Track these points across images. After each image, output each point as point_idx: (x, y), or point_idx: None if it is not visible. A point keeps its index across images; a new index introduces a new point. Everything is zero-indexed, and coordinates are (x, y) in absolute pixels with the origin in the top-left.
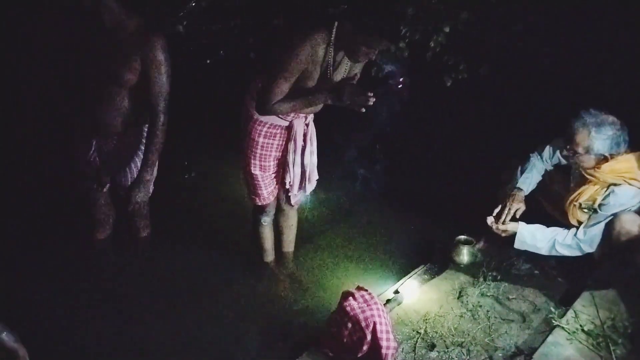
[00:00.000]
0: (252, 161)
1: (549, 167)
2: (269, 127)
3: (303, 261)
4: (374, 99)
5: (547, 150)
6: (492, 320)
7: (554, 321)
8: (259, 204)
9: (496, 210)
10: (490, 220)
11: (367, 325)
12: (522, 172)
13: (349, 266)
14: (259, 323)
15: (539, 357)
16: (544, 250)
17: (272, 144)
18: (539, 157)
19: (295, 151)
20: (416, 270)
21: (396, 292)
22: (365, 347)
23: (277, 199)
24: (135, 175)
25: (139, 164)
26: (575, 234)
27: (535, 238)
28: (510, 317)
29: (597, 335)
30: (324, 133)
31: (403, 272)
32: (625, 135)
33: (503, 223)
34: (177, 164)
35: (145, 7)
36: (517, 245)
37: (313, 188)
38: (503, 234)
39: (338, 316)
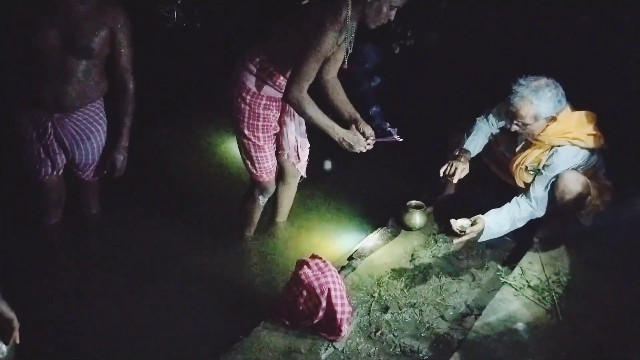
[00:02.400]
0: (257, 134)
1: (495, 131)
2: (266, 100)
3: (259, 231)
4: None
5: (493, 114)
6: (443, 280)
7: (501, 278)
8: (265, 179)
9: (442, 169)
10: (455, 225)
11: (322, 292)
12: (468, 135)
13: (305, 235)
14: (216, 296)
15: (488, 313)
16: (506, 231)
17: (270, 115)
18: (485, 120)
19: (292, 120)
20: (370, 236)
21: (350, 258)
22: (320, 314)
23: (282, 171)
24: (95, 153)
25: (98, 140)
26: (529, 205)
27: (499, 224)
28: (460, 276)
29: (542, 290)
30: None
31: (357, 238)
32: (560, 90)
33: (453, 181)
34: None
35: None
36: (485, 238)
37: (307, 156)
38: (474, 235)
39: (293, 285)
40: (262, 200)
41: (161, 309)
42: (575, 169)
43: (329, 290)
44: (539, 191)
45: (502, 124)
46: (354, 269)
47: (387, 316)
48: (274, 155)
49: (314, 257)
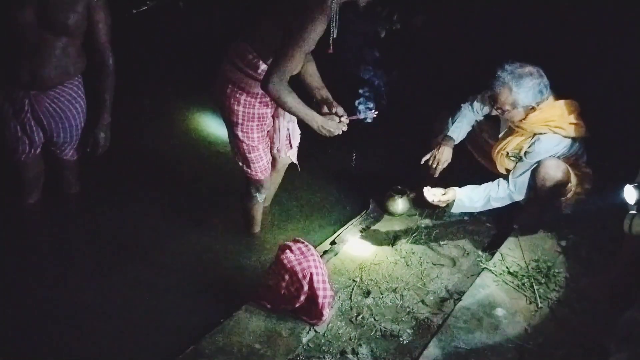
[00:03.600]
0: (252, 135)
1: (479, 118)
2: (261, 97)
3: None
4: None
5: (478, 101)
6: (424, 265)
7: (482, 264)
8: (260, 177)
9: (425, 158)
10: (428, 194)
11: (304, 276)
12: (453, 122)
13: (287, 219)
14: (197, 279)
15: (468, 299)
16: (479, 208)
17: (267, 113)
18: (469, 107)
19: (283, 116)
20: (352, 221)
21: (333, 242)
22: (302, 298)
23: (273, 159)
24: (74, 131)
25: (77, 117)
26: (507, 186)
27: (472, 200)
28: (441, 262)
29: (522, 276)
30: None
31: (340, 223)
32: (544, 80)
33: (434, 176)
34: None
35: None
36: (456, 210)
37: (298, 142)
38: (442, 204)
39: (275, 269)
40: (260, 197)
41: (142, 291)
42: (557, 157)
43: (311, 274)
44: (519, 175)
45: (486, 110)
46: (336, 254)
47: (369, 300)
48: (268, 152)
49: (296, 241)
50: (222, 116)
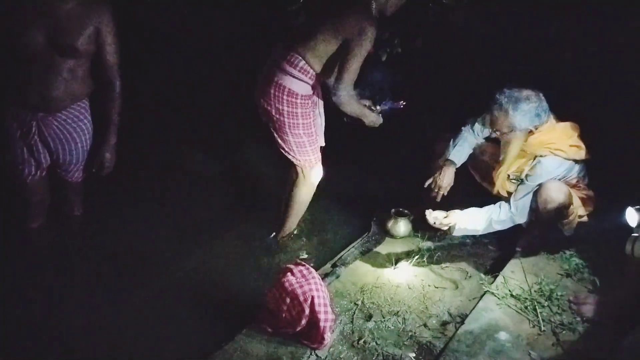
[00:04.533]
0: (310, 130)
1: (480, 140)
2: (309, 99)
3: (244, 236)
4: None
5: (478, 123)
6: (427, 288)
7: (484, 287)
8: (319, 163)
9: (427, 182)
10: (430, 217)
11: (306, 300)
12: (454, 145)
13: (290, 241)
14: (198, 302)
15: (470, 322)
16: (482, 231)
17: (315, 109)
18: (470, 130)
19: (320, 115)
20: (354, 243)
21: (334, 265)
22: (304, 321)
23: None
24: (80, 153)
25: (83, 139)
26: (509, 209)
27: (474, 222)
28: (443, 284)
29: (524, 299)
30: None
31: (342, 245)
32: (542, 104)
33: (436, 200)
34: None
35: None
36: (457, 232)
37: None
38: (444, 227)
39: (276, 292)
40: (314, 187)
41: (144, 314)
42: (558, 179)
43: (312, 297)
44: (521, 198)
45: (486, 133)
46: (337, 277)
47: (370, 324)
48: (318, 142)
49: (297, 264)
50: (274, 121)
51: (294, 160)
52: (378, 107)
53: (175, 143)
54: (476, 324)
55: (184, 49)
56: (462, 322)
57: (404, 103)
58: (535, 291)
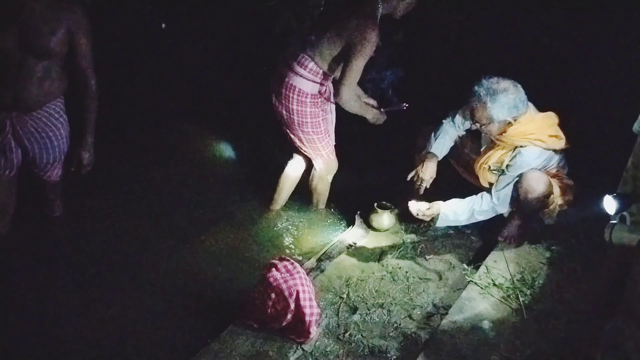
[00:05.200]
0: (320, 128)
1: (461, 133)
2: (321, 96)
3: (228, 232)
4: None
5: (459, 116)
6: (411, 280)
7: (467, 277)
8: (333, 158)
9: (410, 175)
10: (413, 208)
11: (291, 295)
12: (435, 138)
13: (274, 236)
14: (183, 299)
15: (454, 312)
16: (464, 221)
17: (326, 107)
18: (451, 122)
19: (332, 112)
20: (338, 237)
21: (319, 259)
22: (289, 316)
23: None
24: (56, 152)
25: (59, 138)
26: (490, 199)
27: (456, 213)
28: (427, 276)
29: (507, 288)
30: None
31: (327, 239)
32: (520, 95)
33: (419, 193)
34: None
35: None
36: (440, 223)
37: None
38: (427, 218)
39: (261, 287)
40: (330, 177)
41: (128, 313)
42: (539, 169)
43: (298, 292)
44: (502, 188)
45: (467, 125)
46: (322, 271)
47: (356, 317)
48: (332, 139)
49: (282, 259)
50: (285, 119)
51: (307, 153)
52: (382, 110)
53: (158, 141)
54: (460, 314)
55: (182, 49)
56: (447, 313)
57: (407, 105)
58: (517, 280)
